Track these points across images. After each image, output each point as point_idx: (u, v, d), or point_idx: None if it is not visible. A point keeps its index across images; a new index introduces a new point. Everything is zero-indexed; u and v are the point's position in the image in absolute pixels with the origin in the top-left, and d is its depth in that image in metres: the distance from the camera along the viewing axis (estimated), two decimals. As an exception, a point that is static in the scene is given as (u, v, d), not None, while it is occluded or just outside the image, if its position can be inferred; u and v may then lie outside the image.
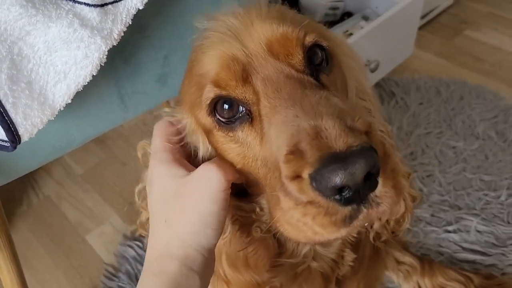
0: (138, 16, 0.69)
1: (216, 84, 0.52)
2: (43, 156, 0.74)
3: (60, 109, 0.60)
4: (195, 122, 0.58)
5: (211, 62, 0.53)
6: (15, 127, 0.57)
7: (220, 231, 0.54)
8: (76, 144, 0.78)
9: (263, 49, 0.52)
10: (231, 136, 0.54)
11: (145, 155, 0.65)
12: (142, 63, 0.76)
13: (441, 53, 1.99)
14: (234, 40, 0.53)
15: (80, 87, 0.59)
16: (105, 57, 0.58)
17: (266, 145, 0.51)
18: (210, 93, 0.53)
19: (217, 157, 0.58)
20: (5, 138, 0.58)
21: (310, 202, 0.44)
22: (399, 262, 1.28)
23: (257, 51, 0.52)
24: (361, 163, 0.41)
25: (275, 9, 0.56)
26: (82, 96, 0.71)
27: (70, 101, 0.60)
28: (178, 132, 0.59)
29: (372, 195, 0.44)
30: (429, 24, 2.13)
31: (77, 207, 1.59)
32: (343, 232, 0.45)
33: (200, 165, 0.54)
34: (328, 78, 0.55)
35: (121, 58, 0.72)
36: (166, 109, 0.62)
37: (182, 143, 0.59)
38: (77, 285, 1.37)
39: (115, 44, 0.59)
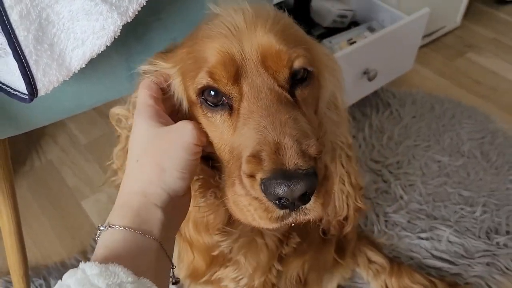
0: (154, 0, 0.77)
1: (211, 75, 0.60)
2: (54, 113, 0.82)
3: (75, 72, 0.68)
4: (182, 86, 0.66)
5: (212, 52, 0.60)
6: (34, 81, 0.65)
7: (188, 179, 0.60)
8: (85, 107, 0.86)
9: (257, 58, 0.60)
10: (209, 117, 0.63)
11: (119, 121, 0.73)
12: (153, 42, 0.84)
13: (441, 72, 2.07)
14: (235, 40, 0.60)
15: (94, 55, 0.68)
16: (119, 31, 0.67)
17: (235, 137, 0.60)
18: (203, 79, 0.60)
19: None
20: (25, 91, 0.66)
21: (256, 198, 0.55)
22: (370, 261, 1.37)
23: (252, 57, 0.60)
24: (301, 185, 0.52)
25: (280, 23, 0.63)
26: (96, 66, 0.79)
27: (84, 66, 0.68)
28: (162, 91, 0.66)
29: (303, 206, 0.55)
30: (434, 42, 2.21)
31: (77, 174, 1.67)
32: (274, 225, 0.56)
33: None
34: (302, 93, 0.63)
35: (134, 36, 0.80)
36: (157, 63, 0.69)
37: (167, 96, 0.67)
38: (68, 245, 1.46)
39: (129, 21, 0.67)
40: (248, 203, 0.56)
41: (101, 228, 0.56)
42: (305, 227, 0.84)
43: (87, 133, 1.82)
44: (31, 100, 0.67)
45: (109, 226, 0.55)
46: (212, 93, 0.61)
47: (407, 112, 1.87)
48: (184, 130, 0.60)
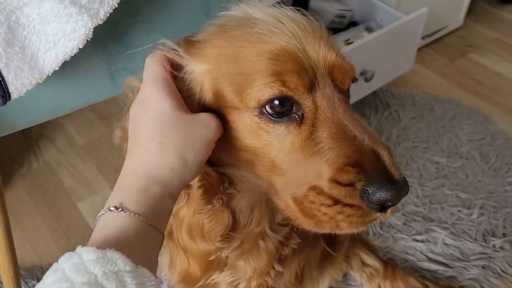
0: (131, 1, 0.77)
1: (284, 83, 0.56)
2: (33, 116, 0.82)
3: (48, 74, 0.69)
4: (212, 87, 0.61)
5: (278, 54, 0.57)
6: (6, 84, 0.65)
7: (197, 174, 0.59)
8: (66, 110, 0.86)
9: (325, 69, 0.60)
10: (268, 127, 0.58)
11: (132, 92, 0.68)
12: (133, 44, 0.84)
13: (442, 72, 2.05)
14: (300, 48, 0.58)
15: (67, 57, 0.68)
16: (91, 33, 0.67)
17: (310, 148, 0.58)
18: (273, 88, 0.56)
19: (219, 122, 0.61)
20: (-3, 94, 0.67)
21: (350, 205, 0.56)
22: (364, 264, 1.35)
23: (319, 68, 0.59)
24: (405, 192, 0.56)
25: (328, 35, 0.63)
26: (75, 68, 0.80)
27: (57, 69, 0.69)
28: (177, 67, 0.61)
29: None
30: (435, 43, 2.18)
31: (73, 175, 1.68)
32: (365, 228, 0.59)
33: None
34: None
35: (112, 37, 0.81)
36: (179, 54, 0.63)
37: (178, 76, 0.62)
38: (62, 246, 1.46)
39: (101, 23, 0.67)
40: (336, 212, 0.56)
41: (111, 208, 0.52)
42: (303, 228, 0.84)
43: (84, 134, 1.83)
44: (4, 103, 0.68)
45: (122, 210, 0.51)
46: (277, 102, 0.57)
47: (407, 113, 1.85)
48: (210, 126, 0.57)
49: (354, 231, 0.59)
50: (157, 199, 0.53)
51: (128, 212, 0.51)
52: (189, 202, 0.69)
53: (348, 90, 0.65)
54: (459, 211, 1.49)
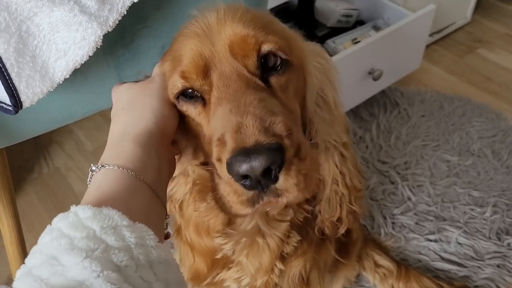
0: (139, 8, 0.76)
1: (182, 75, 0.61)
2: (45, 124, 0.82)
3: (59, 82, 0.68)
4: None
5: (183, 51, 0.62)
6: (17, 93, 0.65)
7: (168, 118, 0.63)
8: (77, 117, 0.86)
9: (225, 48, 0.60)
10: (185, 110, 0.64)
11: None
12: (141, 50, 0.84)
13: (450, 69, 2.03)
14: (206, 36, 0.61)
15: (77, 65, 0.68)
16: (100, 41, 0.66)
17: (209, 128, 0.61)
18: (178, 83, 0.62)
19: None
20: (9, 103, 0.66)
21: (227, 182, 0.54)
22: (377, 265, 1.34)
23: (221, 49, 0.60)
24: (260, 159, 0.50)
25: (252, 14, 0.64)
26: (85, 75, 0.80)
27: (68, 77, 0.69)
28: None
29: (273, 186, 0.53)
30: (443, 39, 2.17)
31: (83, 180, 1.69)
32: (248, 210, 0.55)
33: None
34: (278, 80, 0.63)
35: (121, 44, 0.80)
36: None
37: None
38: (74, 251, 1.47)
39: (110, 31, 0.67)
40: (223, 190, 0.55)
41: (93, 168, 0.55)
42: (305, 226, 0.83)
43: (93, 139, 1.83)
44: (16, 112, 0.68)
45: (102, 166, 0.54)
46: (189, 90, 0.63)
47: (416, 111, 1.84)
48: (155, 79, 0.64)
49: (242, 212, 0.56)
50: (134, 150, 0.56)
51: (107, 166, 0.54)
52: (193, 203, 0.73)
53: (263, 64, 0.62)
54: (472, 209, 1.48)
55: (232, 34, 0.60)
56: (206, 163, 0.71)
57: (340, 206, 0.78)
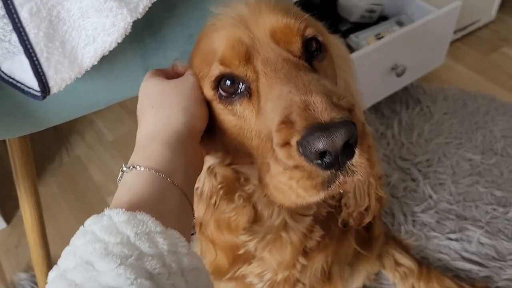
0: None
1: (222, 62, 0.59)
2: (70, 111, 0.82)
3: (87, 69, 0.68)
4: (199, 86, 0.66)
5: (219, 42, 0.60)
6: (46, 79, 0.65)
7: (200, 119, 0.62)
8: (102, 105, 0.86)
9: (266, 35, 0.59)
10: (230, 109, 0.61)
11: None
12: (168, 39, 0.83)
13: (474, 67, 2.00)
14: (242, 24, 0.60)
15: (106, 52, 0.67)
16: (130, 28, 0.66)
17: (261, 117, 0.58)
18: (215, 70, 0.60)
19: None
20: (37, 88, 0.66)
21: (296, 167, 0.50)
22: (398, 263, 1.33)
23: (261, 36, 0.59)
24: (341, 133, 0.47)
25: (282, 4, 0.63)
26: (111, 63, 0.79)
27: (96, 63, 0.68)
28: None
29: (349, 163, 0.50)
30: (467, 37, 2.13)
31: (103, 170, 1.70)
32: (321, 195, 0.51)
33: None
34: (320, 65, 0.62)
35: (148, 32, 0.80)
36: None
37: None
38: (93, 241, 1.47)
39: (139, 17, 0.66)
40: (288, 178, 0.51)
41: (124, 169, 0.54)
42: (327, 220, 0.82)
43: (114, 130, 1.84)
44: (44, 97, 0.68)
45: (133, 167, 0.53)
46: (228, 82, 0.60)
47: (439, 108, 1.81)
48: (187, 79, 0.63)
49: (314, 198, 0.52)
50: (159, 150, 0.55)
51: (139, 168, 0.53)
52: (220, 205, 0.72)
53: (305, 45, 0.61)
54: (494, 209, 1.45)
55: (272, 21, 0.59)
56: (231, 164, 0.71)
57: (369, 194, 0.77)
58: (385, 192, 0.80)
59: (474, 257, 1.35)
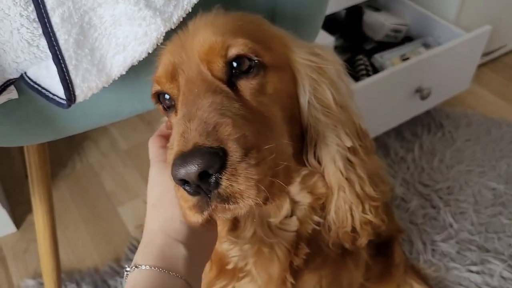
0: (199, 5, 0.73)
1: (156, 80, 0.64)
2: (92, 120, 0.79)
3: (114, 78, 0.65)
4: None
5: (159, 63, 0.65)
6: (73, 87, 0.62)
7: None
8: (124, 115, 0.83)
9: (194, 54, 0.60)
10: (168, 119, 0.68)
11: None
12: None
13: (499, 93, 1.95)
14: (180, 46, 0.62)
15: (135, 62, 0.64)
16: (162, 38, 0.63)
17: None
18: (153, 87, 0.66)
19: None
20: (62, 96, 0.63)
21: (175, 187, 0.55)
22: (416, 294, 1.28)
23: (191, 55, 0.60)
24: (194, 163, 0.48)
25: (227, 18, 0.63)
26: (137, 73, 0.76)
27: (124, 73, 0.65)
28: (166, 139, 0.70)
29: (217, 191, 0.50)
30: (493, 62, 2.09)
31: (115, 179, 1.67)
32: (198, 217, 0.54)
33: None
34: (247, 83, 0.60)
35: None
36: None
37: None
38: (102, 250, 1.44)
39: (173, 28, 0.64)
40: (178, 197, 0.56)
41: (127, 269, 0.58)
42: (315, 238, 0.79)
43: (128, 138, 1.82)
44: (69, 106, 0.65)
45: (135, 267, 0.57)
46: (167, 96, 0.65)
47: (461, 134, 1.76)
48: None
49: (193, 219, 0.54)
50: (163, 247, 0.58)
51: (140, 267, 0.57)
52: None
53: (231, 68, 0.60)
54: (518, 242, 1.40)
55: (201, 40, 0.60)
56: None
57: (352, 215, 0.72)
58: (378, 215, 0.74)
59: (495, 292, 1.30)
